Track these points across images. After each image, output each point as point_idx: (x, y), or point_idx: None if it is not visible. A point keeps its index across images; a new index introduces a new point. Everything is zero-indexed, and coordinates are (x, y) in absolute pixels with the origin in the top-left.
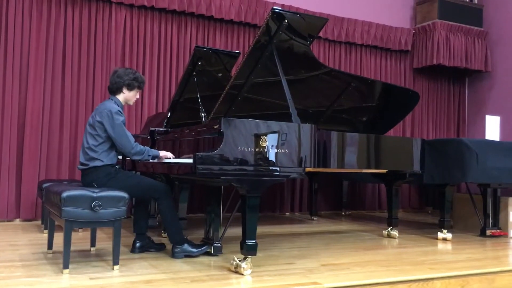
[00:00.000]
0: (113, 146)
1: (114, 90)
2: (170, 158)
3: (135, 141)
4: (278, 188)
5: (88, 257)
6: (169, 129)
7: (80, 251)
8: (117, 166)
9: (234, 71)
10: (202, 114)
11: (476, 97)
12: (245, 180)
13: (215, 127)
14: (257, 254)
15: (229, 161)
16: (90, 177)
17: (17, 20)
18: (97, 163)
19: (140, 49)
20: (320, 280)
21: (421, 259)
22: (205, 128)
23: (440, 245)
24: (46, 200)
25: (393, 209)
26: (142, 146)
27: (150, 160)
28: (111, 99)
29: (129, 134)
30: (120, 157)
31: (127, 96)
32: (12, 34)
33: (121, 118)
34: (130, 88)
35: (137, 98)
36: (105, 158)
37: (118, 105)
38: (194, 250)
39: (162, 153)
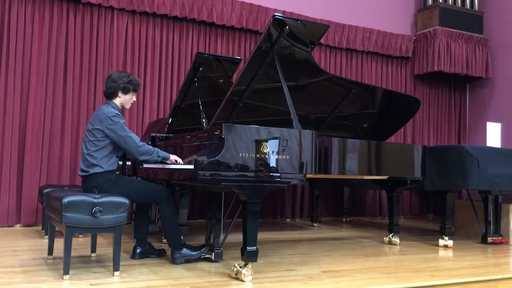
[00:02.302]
0: (112, 151)
1: (110, 94)
2: (179, 162)
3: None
4: (279, 194)
5: (89, 263)
6: (170, 135)
7: (81, 257)
8: (117, 172)
9: (235, 77)
10: (203, 120)
11: (477, 103)
12: (246, 186)
13: (216, 133)
14: (258, 260)
15: (230, 167)
16: (91, 183)
17: (19, 25)
18: (97, 170)
19: (141, 55)
20: (321, 287)
21: (422, 266)
22: (206, 134)
23: (441, 252)
24: (47, 205)
25: (394, 215)
26: (150, 146)
27: (160, 161)
28: (108, 104)
29: (133, 134)
30: (120, 162)
31: (123, 99)
32: (14, 40)
33: (121, 121)
34: (125, 91)
35: (133, 101)
36: (105, 164)
37: (115, 109)
38: (194, 253)
39: (173, 156)
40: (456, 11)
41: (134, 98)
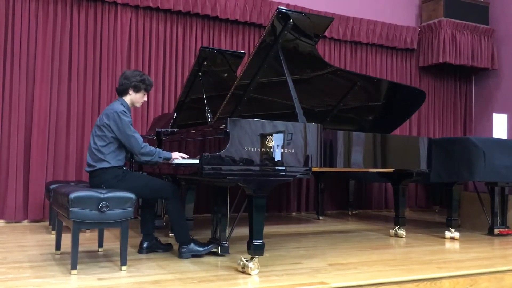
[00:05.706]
0: (120, 147)
1: (121, 91)
2: (183, 157)
3: (143, 141)
4: (284, 188)
5: (96, 257)
6: (175, 129)
7: (88, 251)
8: (124, 168)
9: (239, 71)
10: (208, 115)
11: (483, 95)
12: (252, 180)
13: (221, 127)
14: (264, 254)
15: (235, 161)
16: (98, 179)
17: (24, 22)
18: (104, 165)
19: (145, 50)
20: (327, 279)
21: (428, 258)
22: (211, 129)
23: (448, 244)
24: (54, 201)
25: (400, 208)
26: (152, 147)
27: (162, 161)
28: (118, 100)
29: (137, 134)
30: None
31: (133, 98)
32: (18, 36)
33: (127, 119)
34: (136, 90)
35: (144, 101)
36: (112, 160)
37: (124, 106)
38: (201, 249)
39: (175, 154)
40: (461, 1)
41: (145, 98)
